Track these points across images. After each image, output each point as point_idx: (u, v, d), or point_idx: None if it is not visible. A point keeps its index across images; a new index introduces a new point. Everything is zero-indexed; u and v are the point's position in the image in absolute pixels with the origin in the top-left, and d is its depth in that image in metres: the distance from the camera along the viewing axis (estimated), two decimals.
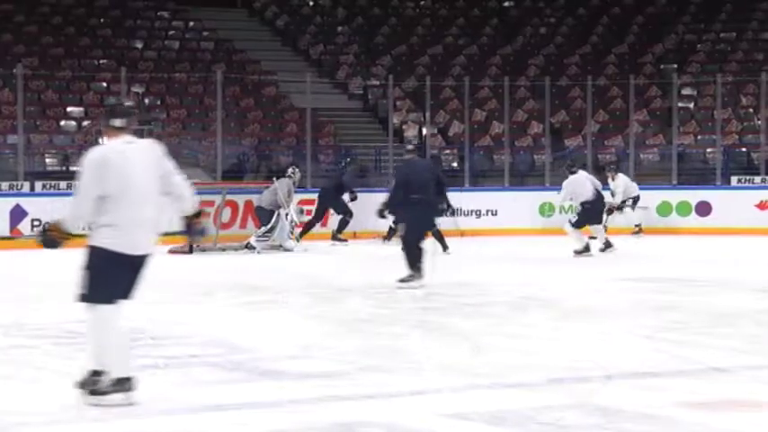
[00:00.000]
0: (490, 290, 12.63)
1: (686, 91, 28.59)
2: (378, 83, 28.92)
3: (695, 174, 25.10)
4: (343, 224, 20.32)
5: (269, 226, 18.28)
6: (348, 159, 18.22)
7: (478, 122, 27.56)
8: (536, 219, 22.65)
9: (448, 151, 26.83)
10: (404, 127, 27.64)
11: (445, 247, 17.03)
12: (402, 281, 12.48)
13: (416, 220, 12.84)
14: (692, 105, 28.46)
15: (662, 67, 30.22)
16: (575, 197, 17.53)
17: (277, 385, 6.96)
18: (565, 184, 17.62)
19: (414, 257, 12.55)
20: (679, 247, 19.00)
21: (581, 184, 17.36)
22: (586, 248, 16.72)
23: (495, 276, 14.30)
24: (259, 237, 18.23)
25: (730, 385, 6.97)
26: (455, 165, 26.16)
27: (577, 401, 6.40)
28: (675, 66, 29.72)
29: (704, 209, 22.35)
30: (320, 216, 20.42)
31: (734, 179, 23.95)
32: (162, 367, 7.55)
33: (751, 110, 27.25)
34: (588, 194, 17.25)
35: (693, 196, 22.66)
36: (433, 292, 12.28)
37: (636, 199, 21.61)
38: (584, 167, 21.10)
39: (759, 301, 11.40)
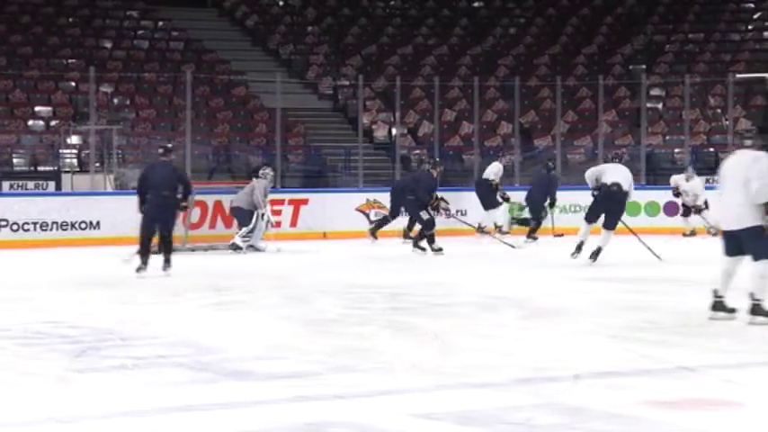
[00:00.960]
0: (460, 290, 12.65)
1: (655, 91, 28.75)
2: (348, 83, 28.94)
3: (664, 174, 25.23)
4: (383, 222, 20.68)
5: (251, 226, 18.26)
6: (434, 160, 18.32)
7: (448, 122, 27.63)
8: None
9: (417, 151, 26.88)
10: (374, 127, 27.67)
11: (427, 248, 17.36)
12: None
13: None
14: (660, 106, 28.63)
15: (631, 67, 30.39)
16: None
17: (246, 386, 6.95)
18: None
19: None
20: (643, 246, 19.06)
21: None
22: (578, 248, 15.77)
23: (465, 276, 14.33)
24: (243, 237, 18.20)
25: (697, 384, 7.01)
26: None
27: (545, 401, 6.42)
28: (644, 66, 29.89)
29: (672, 209, 22.46)
30: (396, 213, 20.62)
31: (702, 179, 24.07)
32: (130, 368, 7.53)
33: (719, 110, 27.44)
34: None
35: (662, 196, 22.76)
36: (403, 292, 12.30)
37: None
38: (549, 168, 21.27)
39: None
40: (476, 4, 34.84)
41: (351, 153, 25.37)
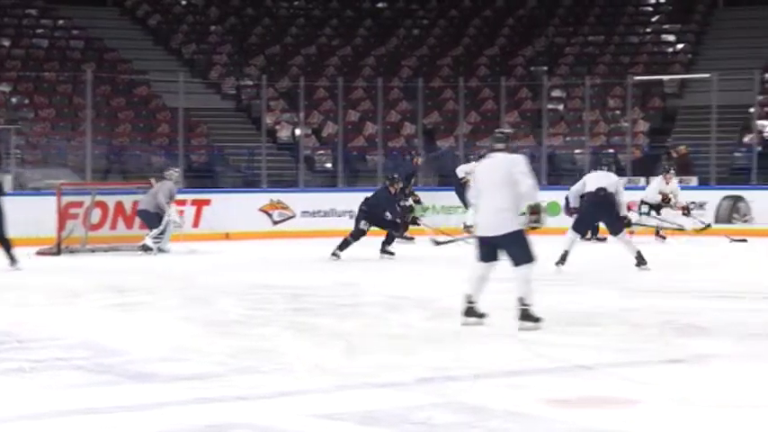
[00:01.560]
0: (365, 290, 12.68)
1: (555, 93, 29.09)
2: (251, 83, 28.83)
3: (564, 174, 25.53)
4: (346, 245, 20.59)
5: (161, 228, 18.11)
6: (391, 177, 18.07)
7: (352, 123, 27.67)
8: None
9: (322, 152, 26.88)
10: (277, 127, 27.60)
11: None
12: None
13: None
14: (561, 107, 28.97)
15: (532, 69, 30.70)
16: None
17: (147, 388, 6.90)
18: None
19: None
20: (548, 246, 19.25)
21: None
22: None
23: (371, 276, 14.36)
24: (154, 238, 18.04)
25: (593, 382, 7.12)
26: (329, 165, 26.23)
27: (447, 400, 6.48)
28: (545, 68, 30.22)
29: (573, 209, 22.68)
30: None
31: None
32: (28, 371, 7.43)
33: (618, 112, 27.84)
34: None
35: (563, 196, 22.98)
36: (305, 293, 12.30)
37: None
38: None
39: (623, 299, 11.64)
40: (379, 5, 34.93)
41: (254, 153, 25.29)
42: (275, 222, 21.93)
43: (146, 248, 17.94)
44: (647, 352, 8.33)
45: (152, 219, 18.18)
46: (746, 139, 25.33)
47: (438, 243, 18.68)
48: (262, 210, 22.01)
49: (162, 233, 18.15)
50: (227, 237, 20.77)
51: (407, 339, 8.89)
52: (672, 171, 21.13)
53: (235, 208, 21.41)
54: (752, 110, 25.06)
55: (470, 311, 9.47)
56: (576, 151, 26.28)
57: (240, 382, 7.06)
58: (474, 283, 9.51)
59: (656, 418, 6.10)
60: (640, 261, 14.79)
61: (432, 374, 7.21)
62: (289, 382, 7.15)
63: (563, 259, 14.75)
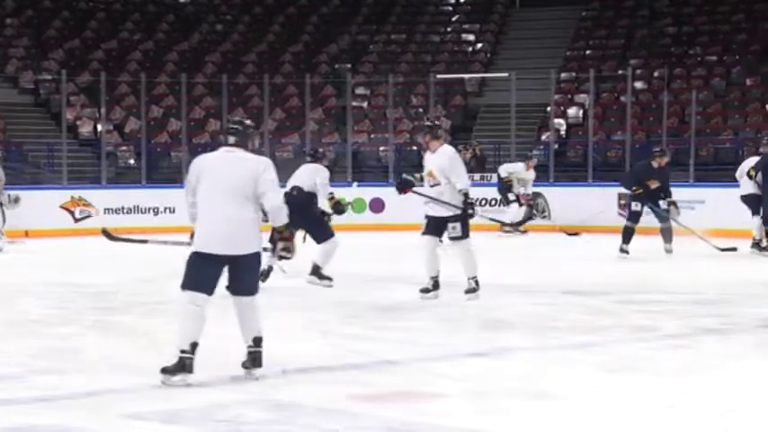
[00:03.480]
0: (168, 287, 12.49)
1: (360, 90, 29.29)
2: (50, 77, 28.12)
3: (369, 171, 25.76)
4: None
5: None
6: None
7: (155, 119, 27.28)
8: None
9: (124, 148, 26.41)
10: (78, 123, 27.01)
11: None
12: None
13: None
14: (365, 104, 29.19)
15: (336, 66, 30.84)
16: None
17: None
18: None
19: None
20: (354, 242, 19.38)
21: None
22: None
23: (176, 273, 14.14)
24: None
25: (401, 377, 7.20)
26: (132, 162, 25.80)
27: (255, 397, 6.45)
28: (349, 66, 30.40)
29: (378, 205, 22.96)
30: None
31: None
32: None
33: (421, 109, 28.21)
34: None
35: (367, 193, 23.23)
36: (109, 291, 12.07)
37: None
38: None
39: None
40: (182, 0, 34.54)
41: (54, 149, 24.68)
42: (77, 220, 21.44)
43: None
44: (454, 346, 8.46)
45: None
46: (544, 137, 26.01)
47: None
48: (63, 207, 21.51)
49: None
50: (26, 234, 20.20)
51: (211, 337, 8.79)
52: (534, 159, 21.98)
53: (34, 205, 20.81)
54: (549, 108, 25.74)
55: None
56: (381, 148, 26.53)
57: (42, 383, 6.89)
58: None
59: (461, 411, 6.21)
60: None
61: (239, 371, 7.15)
62: (92, 381, 7.01)
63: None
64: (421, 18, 33.55)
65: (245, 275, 7.18)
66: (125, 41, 31.21)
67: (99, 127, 26.23)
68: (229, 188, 7.07)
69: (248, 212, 7.09)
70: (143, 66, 28.85)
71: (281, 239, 7.30)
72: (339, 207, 12.60)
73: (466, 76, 29.83)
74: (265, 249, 7.93)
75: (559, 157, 24.33)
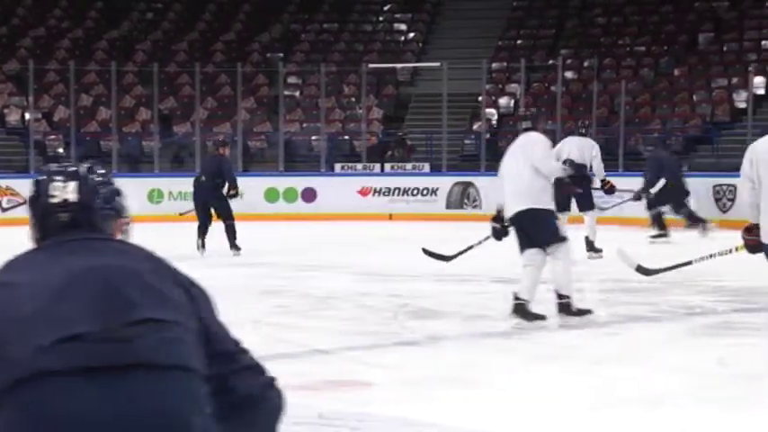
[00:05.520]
0: None
1: (292, 80, 29.21)
2: None
3: (301, 161, 25.72)
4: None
5: None
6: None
7: (85, 108, 27.01)
8: (145, 206, 22.42)
9: (53, 137, 26.13)
10: (5, 111, 26.68)
11: None
12: None
13: None
14: (297, 94, 29.12)
15: (268, 55, 30.72)
16: None
17: None
18: None
19: None
20: (285, 232, 19.37)
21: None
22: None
23: None
24: None
25: (332, 366, 7.21)
26: (60, 150, 25.53)
27: None
28: (281, 55, 30.29)
29: (310, 195, 22.92)
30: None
31: (337, 166, 24.76)
32: None
33: (353, 99, 28.21)
34: None
35: (299, 183, 23.19)
36: None
37: None
38: (191, 155, 21.16)
39: (360, 283, 11.81)
40: None
41: None
42: (5, 209, 21.19)
43: None
44: (383, 335, 8.49)
45: None
46: (476, 127, 26.11)
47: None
48: None
49: None
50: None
51: None
52: None
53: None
54: (480, 98, 25.84)
55: None
56: (313, 138, 26.49)
57: None
58: None
59: (392, 399, 6.23)
60: None
61: None
62: None
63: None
64: (353, 7, 33.49)
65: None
66: (53, 29, 30.85)
67: (27, 115, 25.92)
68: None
69: None
70: (72, 53, 28.55)
71: None
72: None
73: (398, 65, 29.85)
74: None
75: (491, 147, 24.45)
